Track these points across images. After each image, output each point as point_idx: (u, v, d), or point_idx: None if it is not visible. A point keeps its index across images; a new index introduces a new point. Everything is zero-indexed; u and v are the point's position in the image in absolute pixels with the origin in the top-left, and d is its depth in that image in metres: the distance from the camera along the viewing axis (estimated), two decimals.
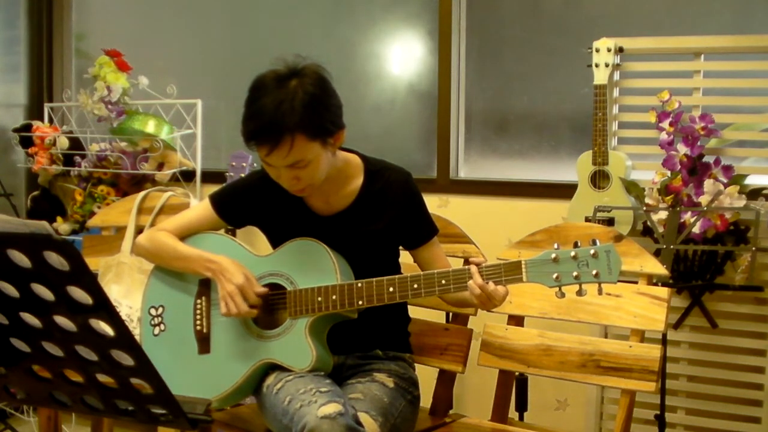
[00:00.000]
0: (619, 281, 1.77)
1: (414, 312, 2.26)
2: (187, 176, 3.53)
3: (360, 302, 1.92)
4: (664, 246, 2.50)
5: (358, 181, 2.06)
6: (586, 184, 2.75)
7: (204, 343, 2.06)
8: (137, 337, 2.04)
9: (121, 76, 3.44)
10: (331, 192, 2.05)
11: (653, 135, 2.71)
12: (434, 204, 3.17)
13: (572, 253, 1.76)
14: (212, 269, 2.01)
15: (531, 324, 2.27)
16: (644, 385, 2.03)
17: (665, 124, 2.65)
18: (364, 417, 1.85)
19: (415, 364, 2.19)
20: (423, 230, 2.11)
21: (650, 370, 2.02)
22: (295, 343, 1.95)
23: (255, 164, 3.06)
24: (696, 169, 2.60)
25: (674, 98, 2.66)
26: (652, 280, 2.11)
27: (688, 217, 2.54)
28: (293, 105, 1.83)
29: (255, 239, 2.35)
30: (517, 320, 2.26)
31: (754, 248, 2.49)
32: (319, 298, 1.94)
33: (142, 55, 3.69)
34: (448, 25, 3.25)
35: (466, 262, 2.25)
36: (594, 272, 1.75)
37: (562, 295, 1.78)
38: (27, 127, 3.80)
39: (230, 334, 2.03)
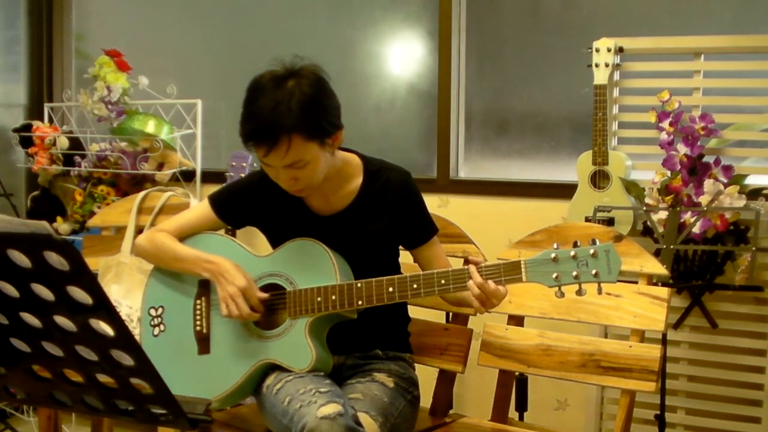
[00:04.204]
0: (619, 281, 1.77)
1: (414, 312, 2.26)
2: (187, 176, 3.53)
3: (359, 302, 1.92)
4: (664, 246, 2.50)
5: (358, 180, 2.06)
6: (586, 184, 2.75)
7: (204, 343, 2.06)
8: (137, 337, 2.04)
9: (121, 76, 3.44)
10: (330, 192, 2.05)
11: (653, 135, 2.71)
12: (434, 204, 3.17)
13: (572, 253, 1.76)
14: (211, 270, 2.01)
15: (531, 324, 2.27)
16: (644, 385, 2.03)
17: (665, 124, 2.65)
18: (363, 417, 1.85)
19: (415, 364, 2.19)
20: (423, 230, 2.11)
21: (650, 370, 2.02)
22: (295, 344, 1.95)
23: (255, 164, 3.06)
24: (696, 169, 2.60)
25: (674, 98, 2.66)
26: (652, 280, 2.10)
27: (688, 217, 2.54)
28: (290, 106, 1.83)
29: (255, 239, 2.35)
30: (517, 320, 2.26)
31: (754, 248, 2.49)
32: (319, 299, 1.94)
33: (142, 55, 3.69)
34: (448, 25, 3.25)
35: (466, 261, 2.24)
36: (593, 272, 1.75)
37: (562, 294, 1.78)
38: (27, 127, 3.80)
39: (230, 334, 2.03)
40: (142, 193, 2.86)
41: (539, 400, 2.93)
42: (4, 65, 4.03)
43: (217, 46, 3.83)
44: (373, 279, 1.91)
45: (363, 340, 2.09)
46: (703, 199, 2.55)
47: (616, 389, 2.35)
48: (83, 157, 3.68)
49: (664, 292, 2.07)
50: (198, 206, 2.19)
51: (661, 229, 2.55)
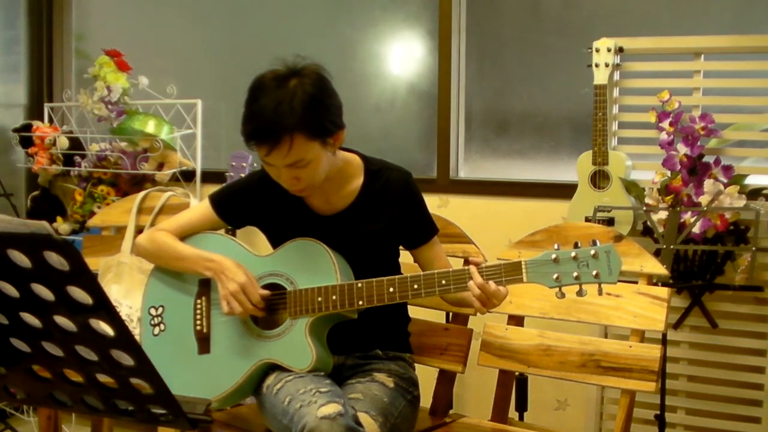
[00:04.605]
0: (619, 281, 1.77)
1: (414, 312, 2.26)
2: (187, 176, 3.53)
3: (360, 302, 1.92)
4: (664, 246, 2.50)
5: (358, 180, 2.06)
6: (586, 184, 2.75)
7: (204, 343, 2.06)
8: (137, 337, 2.04)
9: (121, 76, 3.44)
10: (331, 192, 2.05)
11: (653, 135, 2.71)
12: (434, 204, 3.17)
13: (572, 254, 1.76)
14: (212, 268, 2.01)
15: (531, 324, 2.27)
16: (644, 385, 2.03)
17: (665, 124, 2.65)
18: (363, 417, 1.85)
19: (415, 364, 2.19)
20: (423, 230, 2.11)
21: (650, 370, 2.02)
22: (295, 344, 1.95)
23: (255, 164, 3.06)
24: (696, 169, 2.60)
25: (674, 98, 2.66)
26: (652, 280, 2.10)
27: (688, 217, 2.54)
28: (292, 105, 1.83)
29: (255, 239, 2.35)
30: (517, 320, 2.26)
31: (754, 248, 2.49)
32: (319, 298, 1.94)
33: (142, 55, 3.69)
34: (448, 25, 3.25)
35: (466, 262, 2.25)
36: (594, 273, 1.75)
37: (562, 295, 1.78)
38: (27, 127, 3.80)
39: (230, 334, 2.03)
40: (142, 193, 2.86)
41: (539, 400, 2.93)
42: (4, 65, 4.03)
43: (217, 46, 3.83)
44: (374, 279, 1.91)
45: (363, 340, 2.09)
46: (703, 199, 2.55)
47: (616, 389, 2.35)
48: (83, 157, 3.68)
49: (664, 292, 2.07)
50: (198, 206, 2.19)
51: (661, 229, 2.55)
